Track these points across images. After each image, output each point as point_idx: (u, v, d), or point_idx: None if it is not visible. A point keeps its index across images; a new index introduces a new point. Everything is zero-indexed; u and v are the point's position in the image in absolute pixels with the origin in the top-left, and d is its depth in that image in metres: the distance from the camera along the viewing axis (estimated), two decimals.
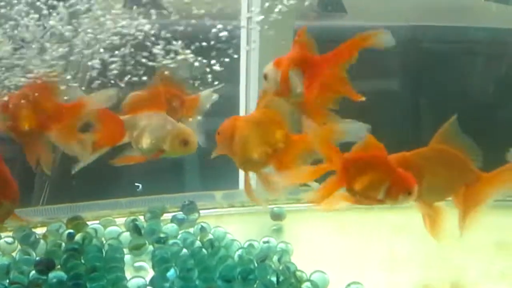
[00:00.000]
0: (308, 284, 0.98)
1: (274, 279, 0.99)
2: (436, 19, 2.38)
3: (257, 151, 1.00)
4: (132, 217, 1.18)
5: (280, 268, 1.02)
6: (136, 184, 1.63)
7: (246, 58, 1.69)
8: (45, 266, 1.01)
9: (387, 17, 2.43)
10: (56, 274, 0.98)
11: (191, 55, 1.37)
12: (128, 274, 1.03)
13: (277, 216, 1.24)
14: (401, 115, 2.30)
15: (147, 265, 1.08)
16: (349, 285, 0.97)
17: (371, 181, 0.91)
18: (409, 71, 2.37)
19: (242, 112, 1.74)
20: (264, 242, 1.11)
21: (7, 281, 0.99)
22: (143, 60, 1.16)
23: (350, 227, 1.23)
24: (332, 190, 0.94)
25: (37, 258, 1.04)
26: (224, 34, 1.48)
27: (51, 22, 1.09)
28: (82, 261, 1.04)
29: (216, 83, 1.21)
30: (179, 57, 1.21)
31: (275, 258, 1.06)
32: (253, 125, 1.03)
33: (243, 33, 1.69)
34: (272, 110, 1.04)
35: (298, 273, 0.99)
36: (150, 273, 1.05)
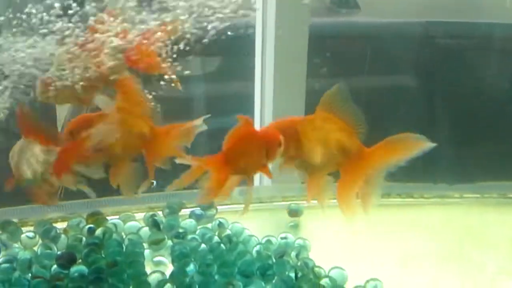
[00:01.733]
0: (326, 280, 0.98)
1: (292, 275, 1.00)
2: (450, 15, 2.37)
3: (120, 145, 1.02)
4: (151, 213, 1.19)
5: (298, 264, 1.03)
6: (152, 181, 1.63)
7: (261, 55, 1.70)
8: (67, 260, 1.02)
9: (401, 13, 2.42)
10: (78, 268, 1.00)
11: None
12: (147, 268, 1.04)
13: (294, 213, 1.25)
14: (415, 111, 2.30)
15: (166, 259, 1.09)
16: (367, 281, 0.97)
17: (253, 154, 0.96)
18: (423, 68, 2.36)
19: (257, 110, 1.75)
20: (282, 238, 1.11)
21: (30, 275, 1.00)
22: None
23: (365, 224, 1.23)
24: (221, 183, 0.97)
25: (59, 253, 1.06)
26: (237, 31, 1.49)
27: None
28: (103, 255, 1.05)
29: None
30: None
31: (293, 254, 1.07)
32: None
33: (257, 30, 1.70)
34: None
35: (316, 269, 1.00)
36: (169, 268, 1.06)
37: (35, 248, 1.08)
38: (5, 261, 1.04)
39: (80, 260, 1.03)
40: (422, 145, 0.96)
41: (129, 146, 1.03)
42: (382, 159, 0.98)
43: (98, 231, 1.11)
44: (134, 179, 1.06)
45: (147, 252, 1.10)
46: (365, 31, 2.33)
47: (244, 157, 0.96)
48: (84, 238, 1.09)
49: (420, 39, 2.33)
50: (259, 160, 0.97)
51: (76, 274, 0.98)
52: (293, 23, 1.61)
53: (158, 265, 1.09)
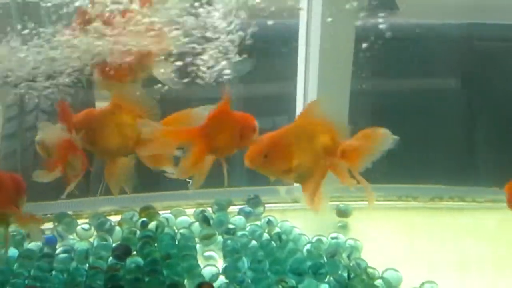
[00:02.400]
0: (380, 281, 0.98)
1: (345, 274, 1.00)
2: (491, 16, 2.33)
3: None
4: (200, 208, 1.21)
5: (351, 264, 1.03)
6: (187, 179, 1.65)
7: (305, 55, 1.70)
8: (123, 252, 1.05)
9: (440, 14, 2.39)
10: (134, 259, 1.02)
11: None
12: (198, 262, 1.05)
13: (342, 213, 1.24)
14: (455, 113, 2.27)
15: (216, 254, 1.11)
16: (423, 284, 0.96)
17: (226, 133, 0.99)
18: (463, 70, 2.32)
19: (299, 111, 1.75)
20: (332, 238, 1.11)
21: (87, 265, 1.03)
22: None
23: (415, 227, 1.22)
24: (199, 158, 0.99)
25: (114, 245, 1.08)
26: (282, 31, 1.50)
27: None
28: (156, 248, 1.07)
29: None
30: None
31: (344, 254, 1.07)
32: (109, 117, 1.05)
33: (301, 30, 1.70)
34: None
35: (369, 270, 1.00)
36: (219, 263, 1.07)
37: (91, 240, 1.11)
38: (63, 251, 1.07)
39: (134, 252, 1.06)
40: (389, 138, 0.99)
41: (124, 143, 1.05)
42: (360, 156, 1.00)
43: (151, 225, 1.14)
44: (128, 176, 1.08)
45: (197, 247, 1.12)
46: (404, 32, 2.31)
47: (219, 135, 0.98)
48: (138, 231, 1.12)
49: (460, 41, 2.30)
50: (232, 140, 0.99)
51: (132, 265, 1.01)
52: (339, 23, 1.60)
53: (208, 259, 1.10)
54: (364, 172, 1.02)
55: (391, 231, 1.19)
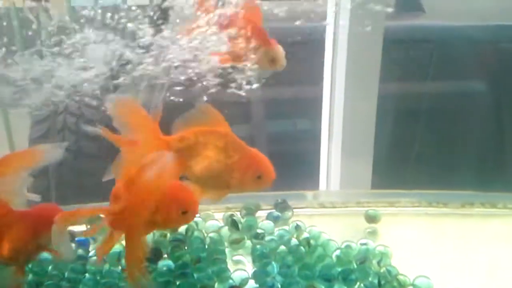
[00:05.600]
0: None
1: (375, 281, 0.99)
2: None
3: None
4: (229, 213, 1.21)
5: (381, 271, 1.02)
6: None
7: (332, 57, 1.70)
8: (154, 255, 1.06)
9: (466, 16, 2.35)
10: (166, 262, 1.04)
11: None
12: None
13: (372, 219, 1.23)
14: (485, 117, 2.24)
15: (245, 259, 1.11)
16: None
17: None
18: (489, 73, 2.29)
19: (325, 114, 1.75)
20: (362, 244, 1.11)
21: (120, 268, 1.05)
22: None
23: (446, 233, 1.21)
24: None
25: None
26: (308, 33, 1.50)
27: None
28: (187, 251, 1.08)
29: None
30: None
31: (374, 261, 1.06)
32: None
33: (328, 31, 1.70)
34: None
35: (400, 277, 0.99)
36: (247, 267, 1.08)
37: (123, 242, 1.13)
38: (96, 254, 1.08)
39: (165, 255, 1.07)
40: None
41: None
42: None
43: (181, 228, 1.15)
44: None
45: (226, 251, 1.13)
46: (429, 34, 2.29)
47: None
48: (168, 234, 1.13)
49: (486, 44, 2.26)
50: None
51: (164, 268, 1.02)
52: (367, 25, 1.60)
53: (237, 264, 1.11)
54: None
55: (421, 237, 1.18)
